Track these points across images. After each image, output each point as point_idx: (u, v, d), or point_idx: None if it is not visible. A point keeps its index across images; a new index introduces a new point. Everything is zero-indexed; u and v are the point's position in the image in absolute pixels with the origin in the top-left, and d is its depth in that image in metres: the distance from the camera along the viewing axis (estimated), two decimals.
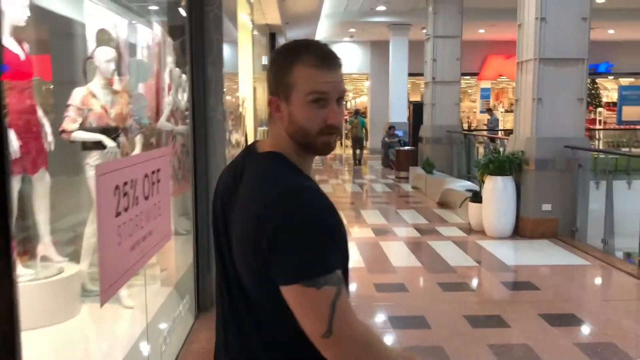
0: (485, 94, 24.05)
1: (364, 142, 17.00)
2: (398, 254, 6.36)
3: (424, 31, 16.82)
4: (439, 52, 12.21)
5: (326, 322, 1.09)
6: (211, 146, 4.54)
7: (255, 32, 9.59)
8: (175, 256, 4.35)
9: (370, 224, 7.89)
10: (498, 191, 6.99)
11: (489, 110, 19.04)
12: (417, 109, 13.95)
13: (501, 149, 8.26)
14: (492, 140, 10.07)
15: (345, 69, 20.55)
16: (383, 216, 8.53)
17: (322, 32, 17.31)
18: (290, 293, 1.11)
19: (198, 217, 4.41)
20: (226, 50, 5.02)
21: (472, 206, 7.47)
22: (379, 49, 19.86)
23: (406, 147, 13.20)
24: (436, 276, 5.43)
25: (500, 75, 20.81)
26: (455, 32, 12.24)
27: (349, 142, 23.15)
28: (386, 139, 15.97)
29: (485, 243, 6.79)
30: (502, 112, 23.53)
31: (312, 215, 1.13)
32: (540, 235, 6.96)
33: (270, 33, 12.54)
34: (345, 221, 8.24)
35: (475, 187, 8.80)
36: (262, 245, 1.12)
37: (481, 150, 11.22)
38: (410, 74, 17.09)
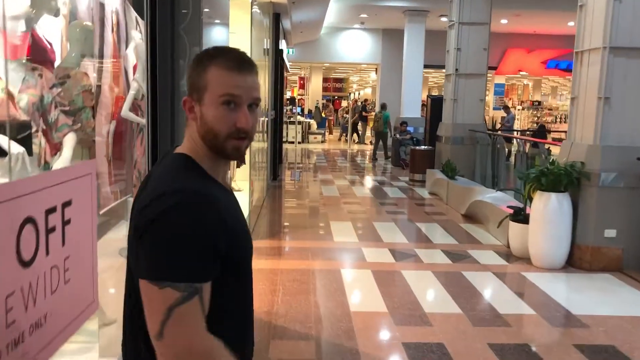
0: (499, 90, 22.62)
1: (388, 137, 15.83)
2: (429, 291, 4.99)
3: (444, 19, 15.45)
4: (464, 41, 10.78)
5: (159, 324, 1.10)
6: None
7: (256, 10, 8.17)
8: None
9: (387, 243, 6.52)
10: (551, 211, 5.61)
11: (506, 108, 17.61)
12: (435, 104, 12.54)
13: (550, 158, 6.84)
14: (535, 145, 8.65)
15: (354, 58, 19.16)
16: (401, 232, 7.15)
17: (330, 17, 15.86)
18: (141, 286, 1.13)
19: None
20: (209, 23, 3.63)
21: (514, 227, 6.10)
22: (391, 37, 18.42)
23: (422, 147, 11.79)
24: (485, 332, 4.06)
25: (520, 71, 19.37)
26: (483, 19, 10.81)
27: (359, 136, 21.79)
28: (397, 136, 14.58)
29: (533, 276, 5.42)
30: (519, 109, 22.11)
31: (183, 220, 1.12)
32: (601, 268, 5.60)
33: (274, 13, 11.11)
34: (355, 237, 6.96)
35: (510, 198, 7.42)
36: (136, 236, 1.16)
37: (508, 153, 9.84)
38: (425, 66, 15.64)
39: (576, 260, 5.70)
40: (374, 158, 15.99)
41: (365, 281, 5.16)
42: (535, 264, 5.75)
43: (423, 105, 17.48)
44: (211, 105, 1.22)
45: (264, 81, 9.74)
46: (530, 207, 6.02)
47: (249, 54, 1.26)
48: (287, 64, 16.04)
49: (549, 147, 13.48)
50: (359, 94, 45.21)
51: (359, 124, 21.45)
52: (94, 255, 2.09)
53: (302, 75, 29.38)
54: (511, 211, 6.33)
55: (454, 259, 5.92)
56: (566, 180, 5.54)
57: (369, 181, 11.90)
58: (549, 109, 30.60)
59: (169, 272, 1.10)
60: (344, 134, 21.86)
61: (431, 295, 4.88)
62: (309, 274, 5.28)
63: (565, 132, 20.64)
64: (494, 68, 19.34)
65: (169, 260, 1.11)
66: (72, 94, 3.25)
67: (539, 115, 27.98)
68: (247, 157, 7.59)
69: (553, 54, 18.66)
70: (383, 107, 16.68)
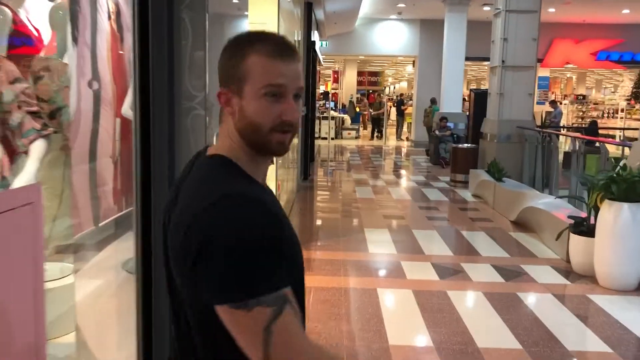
0: (543, 83, 21.49)
1: None
2: (481, 319, 4.28)
3: (486, 8, 14.55)
4: (511, 31, 9.93)
5: (261, 348, 0.96)
6: (180, 154, 2.56)
7: None
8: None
9: (429, 256, 5.82)
10: (623, 224, 4.82)
11: (553, 102, 16.57)
12: (479, 99, 11.70)
13: (612, 159, 6.01)
14: (589, 143, 7.81)
15: (390, 50, 18.35)
16: (445, 242, 6.43)
17: (366, 7, 15.13)
18: (221, 314, 0.98)
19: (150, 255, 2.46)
20: (223, 9, 3.04)
21: (576, 240, 5.32)
22: (429, 28, 17.57)
23: (465, 145, 10.98)
24: None
25: (568, 63, 18.26)
26: (532, 6, 9.97)
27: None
28: (437, 132, 13.78)
29: (602, 300, 4.65)
30: (565, 104, 20.97)
31: (243, 229, 0.97)
32: None
33: (306, 2, 10.47)
34: (393, 247, 6.28)
35: (568, 205, 6.62)
36: (187, 261, 0.99)
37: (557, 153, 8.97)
38: (468, 58, 14.75)
39: None
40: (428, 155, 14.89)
41: (406, 304, 4.49)
42: (602, 283, 4.97)
43: (464, 100, 16.60)
44: (253, 97, 1.09)
45: None
46: (594, 217, 5.24)
47: None
48: (320, 57, 15.38)
49: (598, 145, 12.53)
50: (394, 87, 44.29)
51: (381, 118, 20.56)
52: (39, 316, 1.49)
53: (336, 69, 28.67)
54: (571, 221, 5.56)
55: (507, 277, 5.19)
56: None
57: (406, 181, 11.16)
58: (595, 104, 29.21)
59: (251, 289, 0.96)
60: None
61: (484, 324, 4.17)
62: (341, 293, 4.64)
63: (615, 128, 19.45)
64: (540, 60, 18.26)
65: (245, 277, 0.96)
66: (51, 90, 2.67)
67: (584, 110, 26.67)
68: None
69: (604, 45, 17.50)
70: (433, 101, 16.04)
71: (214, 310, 0.98)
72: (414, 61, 19.35)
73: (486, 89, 11.38)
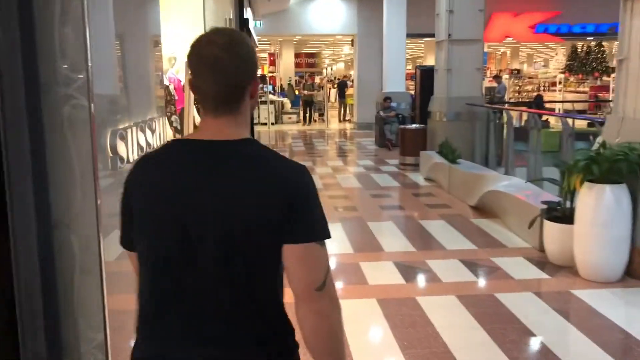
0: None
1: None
2: (459, 330, 3.65)
3: None
4: (457, 2, 9.38)
5: (323, 276, 1.25)
6: (54, 155, 1.74)
7: None
8: None
9: (390, 254, 5.18)
10: (606, 209, 4.31)
11: (497, 77, 16.36)
12: (425, 76, 11.15)
13: (598, 138, 5.51)
14: (537, 118, 7.34)
15: (328, 29, 17.53)
16: (404, 235, 5.81)
17: None
18: (303, 250, 1.24)
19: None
20: None
21: (552, 227, 4.80)
22: (367, 5, 16.90)
23: (413, 125, 10.40)
24: None
25: (507, 37, 18.07)
26: None
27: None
28: (381, 113, 13.20)
29: (588, 295, 4.14)
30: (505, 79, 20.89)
31: (315, 188, 1.29)
32: None
33: None
34: (349, 245, 5.58)
35: (531, 188, 6.12)
36: (277, 213, 1.21)
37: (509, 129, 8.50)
38: (408, 35, 14.18)
39: (636, 270, 4.44)
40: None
41: (370, 317, 3.81)
42: (583, 275, 4.47)
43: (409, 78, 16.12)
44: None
45: None
46: (570, 201, 4.74)
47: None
48: (255, 37, 14.45)
49: (547, 120, 12.31)
50: (331, 69, 43.64)
51: (313, 101, 19.48)
52: None
53: (272, 52, 27.69)
54: (543, 206, 5.04)
55: (479, 273, 4.61)
56: (627, 168, 4.24)
57: (353, 167, 10.50)
58: (529, 77, 29.57)
59: (328, 232, 1.28)
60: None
61: (465, 338, 3.54)
62: (288, 308, 3.90)
63: (554, 102, 19.51)
64: None
65: (324, 222, 1.28)
66: None
67: (520, 84, 26.91)
68: None
69: (542, 17, 17.38)
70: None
71: (279, 250, 1.23)
72: (352, 40, 18.69)
73: (432, 66, 10.85)
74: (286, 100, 21.08)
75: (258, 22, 16.44)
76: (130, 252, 1.36)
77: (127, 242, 1.35)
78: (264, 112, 18.48)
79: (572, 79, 24.64)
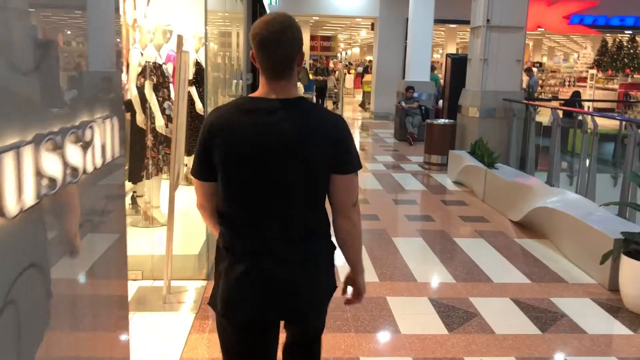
0: None
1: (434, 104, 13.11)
2: None
3: None
4: None
5: (356, 196, 1.85)
6: None
7: None
8: None
9: (423, 285, 4.20)
10: None
11: (528, 70, 15.19)
12: (457, 66, 10.06)
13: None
14: (568, 116, 6.32)
15: (348, 10, 16.31)
16: (439, 259, 4.81)
17: None
18: (348, 178, 1.78)
19: None
20: None
21: (633, 267, 3.81)
22: None
23: (441, 120, 9.34)
24: None
25: (539, 27, 16.86)
26: None
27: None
28: (403, 104, 12.15)
29: None
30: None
31: (350, 131, 1.81)
32: None
33: None
34: (372, 272, 4.60)
35: (593, 207, 5.11)
36: (334, 152, 1.74)
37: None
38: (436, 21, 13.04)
39: None
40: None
41: None
42: None
43: (433, 67, 15.07)
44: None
45: (235, 35, 7.24)
46: None
47: None
48: None
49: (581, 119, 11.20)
50: (346, 53, 42.37)
51: (325, 88, 17.80)
52: None
53: None
54: (620, 237, 4.03)
55: (541, 322, 3.62)
56: None
57: (372, 163, 9.49)
58: (552, 71, 28.26)
59: (360, 164, 1.81)
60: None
61: None
62: None
63: (591, 100, 18.25)
64: None
65: (358, 156, 1.81)
66: None
67: (543, 78, 25.66)
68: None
69: (577, 7, 16.16)
70: (432, 68, 14.41)
71: (328, 177, 1.77)
72: (372, 24, 17.55)
73: (465, 55, 9.78)
74: (300, 85, 20.02)
75: (274, 1, 15.36)
76: (203, 181, 1.80)
77: (202, 174, 1.80)
78: None
79: (600, 74, 23.40)
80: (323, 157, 1.72)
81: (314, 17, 18.79)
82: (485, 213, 6.30)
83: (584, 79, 24.33)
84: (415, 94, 12.18)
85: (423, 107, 12.11)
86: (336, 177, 1.75)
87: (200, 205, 1.86)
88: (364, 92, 19.77)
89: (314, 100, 18.48)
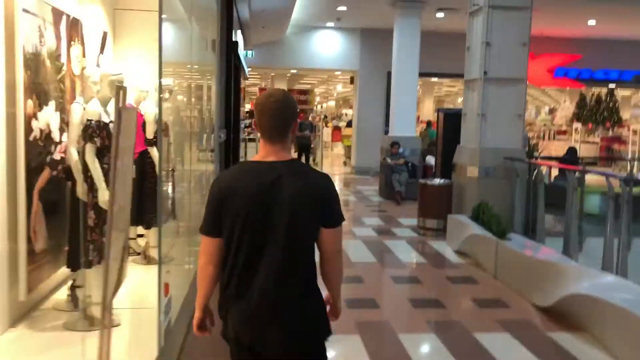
0: None
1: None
2: None
3: (440, 14, 12.39)
4: (496, 33, 7.64)
5: (340, 245, 2.15)
6: None
7: None
8: None
9: None
10: None
11: None
12: (449, 122, 9.29)
13: None
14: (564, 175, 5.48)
15: (327, 63, 15.43)
16: None
17: (300, 12, 12.53)
18: (332, 231, 2.07)
19: None
20: None
21: None
22: (371, 39, 15.25)
23: (436, 180, 8.45)
24: None
25: None
26: (522, 1, 7.75)
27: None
28: (388, 160, 11.32)
29: None
30: None
31: (335, 190, 2.12)
32: None
33: None
34: None
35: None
36: (322, 207, 2.04)
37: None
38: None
39: None
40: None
41: None
42: None
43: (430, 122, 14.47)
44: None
45: (206, 87, 6.35)
46: None
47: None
48: (246, 68, 12.65)
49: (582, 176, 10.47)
50: (321, 107, 42.08)
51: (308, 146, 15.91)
52: None
53: (263, 86, 25.98)
54: None
55: None
56: None
57: (359, 227, 8.51)
58: (528, 124, 28.07)
59: (342, 218, 2.11)
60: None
61: None
62: None
63: (558, 155, 17.76)
64: None
65: (341, 212, 2.11)
66: None
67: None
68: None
69: (562, 60, 15.82)
70: (429, 124, 14.31)
71: (318, 231, 2.05)
72: (351, 77, 16.97)
73: (458, 109, 9.05)
74: None
75: (250, 52, 14.69)
76: (212, 237, 2.06)
77: (211, 231, 2.06)
78: (252, 151, 16.57)
79: (579, 128, 23.15)
80: (315, 213, 2.02)
81: (291, 70, 18.17)
82: (502, 294, 5.33)
83: (564, 132, 24.08)
84: (401, 150, 11.38)
85: (410, 164, 11.30)
86: (324, 230, 2.05)
87: (208, 262, 2.09)
88: (345, 147, 19.01)
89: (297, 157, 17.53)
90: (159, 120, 3.80)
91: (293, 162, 2.07)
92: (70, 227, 4.08)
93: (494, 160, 7.65)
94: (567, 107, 24.37)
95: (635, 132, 19.35)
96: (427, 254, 6.95)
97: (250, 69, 15.63)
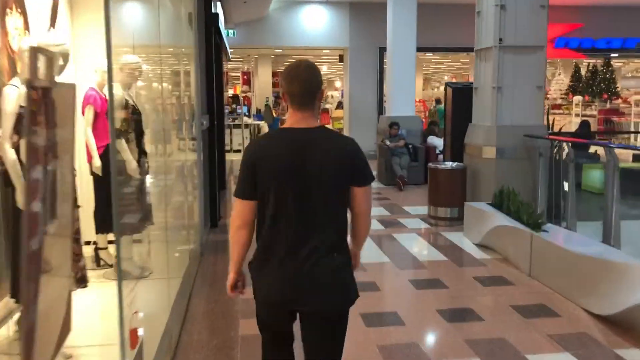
0: None
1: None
2: None
3: None
4: None
5: (370, 202, 2.27)
6: None
7: None
8: None
9: None
10: None
11: None
12: (459, 97, 8.38)
13: None
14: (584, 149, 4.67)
15: (313, 41, 14.64)
16: None
17: None
18: (364, 190, 2.21)
19: None
20: None
21: None
22: (361, 14, 14.27)
23: (448, 164, 7.55)
24: None
25: None
26: None
27: None
28: (387, 143, 10.42)
29: None
30: None
31: (362, 152, 2.24)
32: None
33: None
34: None
35: None
36: (353, 169, 2.17)
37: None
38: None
39: None
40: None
41: None
42: None
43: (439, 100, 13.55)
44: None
45: (183, 68, 5.43)
46: None
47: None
48: (228, 47, 11.63)
49: (596, 152, 9.71)
50: None
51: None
52: None
53: (246, 69, 24.82)
54: None
55: None
56: None
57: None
58: None
59: (372, 177, 2.25)
60: None
61: None
62: None
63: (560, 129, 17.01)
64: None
65: (371, 171, 2.24)
66: None
67: None
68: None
69: (562, 30, 14.94)
70: (438, 101, 13.87)
71: (348, 189, 2.19)
72: (340, 56, 15.99)
73: (468, 83, 8.17)
74: (263, 124, 18.20)
75: (231, 32, 13.65)
76: (247, 200, 2.17)
77: (247, 194, 2.17)
78: (238, 137, 15.63)
79: (575, 100, 22.42)
80: (345, 173, 2.16)
81: (276, 50, 17.12)
82: (544, 299, 4.49)
83: (559, 106, 23.33)
84: (402, 131, 10.49)
85: (410, 146, 10.42)
86: (355, 189, 2.19)
87: (242, 225, 2.20)
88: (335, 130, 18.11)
89: None
90: (109, 106, 2.86)
91: (322, 128, 2.22)
92: (13, 246, 3.18)
93: (513, 139, 6.81)
94: (560, 79, 23.61)
95: (637, 103, 18.57)
96: (445, 248, 6.10)
97: (232, 50, 14.60)
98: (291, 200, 2.09)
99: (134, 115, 4.57)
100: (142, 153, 4.60)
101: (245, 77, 23.26)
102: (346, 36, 14.50)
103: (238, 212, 2.19)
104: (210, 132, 7.18)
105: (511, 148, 6.80)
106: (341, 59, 15.91)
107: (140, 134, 4.57)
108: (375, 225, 7.16)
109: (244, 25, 14.08)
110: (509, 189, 6.11)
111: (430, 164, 7.39)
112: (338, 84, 32.43)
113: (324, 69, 30.29)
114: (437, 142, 10.69)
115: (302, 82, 2.13)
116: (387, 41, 11.34)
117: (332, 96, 31.92)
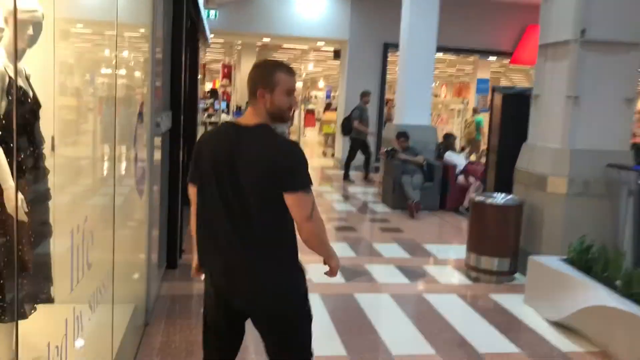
0: (483, 87, 17.05)
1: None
2: None
3: None
4: None
5: (310, 212, 2.12)
6: None
7: None
8: None
9: None
10: None
11: None
12: (510, 106, 6.36)
13: None
14: None
15: (307, 30, 11.52)
16: None
17: None
18: (293, 197, 2.10)
19: None
20: None
21: None
22: (364, 3, 12.34)
23: (500, 197, 5.51)
24: None
25: None
26: None
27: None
28: (402, 156, 8.47)
29: None
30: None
31: (301, 155, 2.14)
32: None
33: None
34: None
35: None
36: (278, 173, 2.08)
37: None
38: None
39: None
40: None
41: None
42: None
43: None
44: (280, 94, 2.17)
45: (129, 46, 3.35)
46: None
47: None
48: (207, 29, 9.58)
49: None
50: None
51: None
52: None
53: (227, 62, 22.65)
54: None
55: None
56: None
57: (379, 268, 5.68)
58: None
59: (307, 184, 2.12)
60: None
61: None
62: None
63: None
64: (509, 54, 13.68)
65: (305, 178, 2.12)
66: None
67: None
68: None
69: None
70: (475, 110, 13.27)
71: (281, 196, 2.09)
72: (335, 51, 14.01)
73: (523, 89, 6.27)
74: None
75: (211, 12, 11.60)
76: (193, 185, 2.27)
77: (192, 179, 2.27)
78: None
79: None
80: (271, 177, 2.09)
81: (264, 39, 15.05)
82: None
83: None
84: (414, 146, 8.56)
85: (426, 162, 8.51)
86: (285, 195, 2.10)
87: (194, 212, 2.29)
88: (324, 135, 16.16)
89: None
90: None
91: (259, 127, 2.17)
92: None
93: (591, 169, 4.97)
94: None
95: None
96: (505, 326, 4.16)
97: (212, 36, 12.52)
98: (217, 197, 2.16)
99: (26, 106, 2.55)
100: (38, 173, 2.60)
101: (225, 70, 21.14)
102: (346, 28, 12.54)
103: (190, 197, 2.32)
104: (173, 133, 5.16)
105: (589, 181, 4.95)
106: (337, 55, 13.93)
107: (35, 140, 2.56)
108: (395, 278, 5.21)
109: (228, 6, 12.01)
110: (604, 247, 4.23)
111: (477, 197, 5.41)
112: (322, 84, 30.48)
113: (309, 68, 28.26)
114: (456, 159, 8.79)
115: (249, 78, 2.22)
116: (401, 37, 9.42)
117: (315, 97, 29.93)
